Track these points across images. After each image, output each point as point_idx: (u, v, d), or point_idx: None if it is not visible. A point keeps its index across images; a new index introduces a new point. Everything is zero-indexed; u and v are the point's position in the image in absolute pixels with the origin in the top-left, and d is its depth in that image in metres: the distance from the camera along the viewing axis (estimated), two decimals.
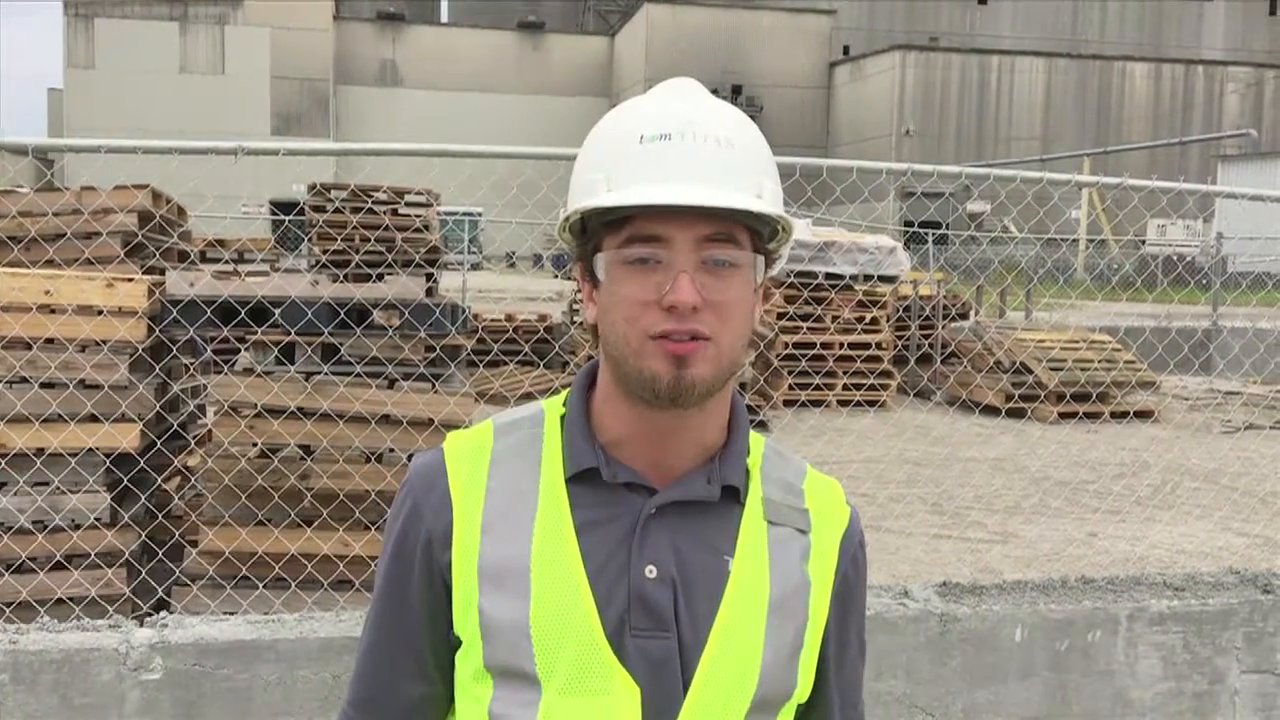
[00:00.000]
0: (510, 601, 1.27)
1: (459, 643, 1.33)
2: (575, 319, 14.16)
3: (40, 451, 4.12)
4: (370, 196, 7.05)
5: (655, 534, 1.28)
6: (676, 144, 1.22)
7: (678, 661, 1.26)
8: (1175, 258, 31.73)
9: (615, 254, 1.24)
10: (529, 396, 12.25)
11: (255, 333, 4.33)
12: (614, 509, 1.29)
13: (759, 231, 1.27)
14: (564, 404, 1.37)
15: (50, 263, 4.68)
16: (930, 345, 14.89)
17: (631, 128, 1.25)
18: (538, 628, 1.25)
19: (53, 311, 4.16)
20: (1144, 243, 37.84)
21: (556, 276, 24.78)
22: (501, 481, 1.32)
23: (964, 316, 16.34)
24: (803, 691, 1.35)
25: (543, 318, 15.91)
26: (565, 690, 1.25)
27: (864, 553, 1.43)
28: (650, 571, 1.27)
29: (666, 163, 1.22)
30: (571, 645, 1.25)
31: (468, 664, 1.32)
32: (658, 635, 1.26)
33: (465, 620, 1.30)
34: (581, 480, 1.30)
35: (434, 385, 4.44)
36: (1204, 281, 21.23)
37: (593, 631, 1.25)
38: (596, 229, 1.27)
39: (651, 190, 1.20)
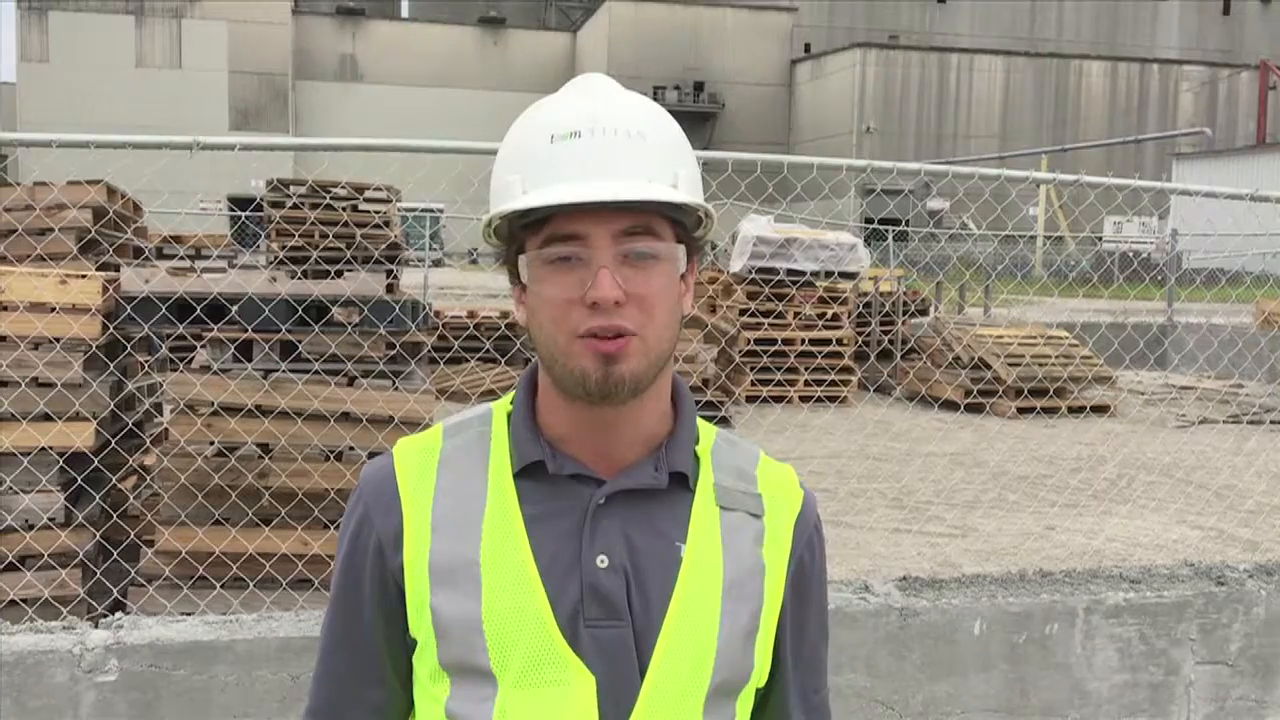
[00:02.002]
0: (462, 598, 1.27)
1: (415, 644, 1.33)
2: None
3: None
4: (329, 192, 6.98)
5: (605, 524, 1.28)
6: (586, 140, 1.23)
7: (633, 649, 1.27)
8: (1131, 254, 32.12)
9: (536, 255, 1.25)
10: (491, 394, 12.20)
11: (212, 330, 4.29)
12: (563, 501, 1.30)
13: (680, 221, 1.28)
14: (511, 403, 1.38)
15: (2, 259, 4.61)
16: (890, 341, 14.99)
17: (543, 128, 1.26)
18: (490, 622, 1.26)
19: (4, 308, 4.10)
20: (1100, 239, 38.28)
21: None
22: (450, 481, 1.32)
23: (923, 313, 16.43)
24: (760, 675, 1.36)
25: (505, 314, 15.79)
26: (520, 683, 1.25)
27: (820, 536, 1.43)
28: (601, 561, 1.27)
29: (577, 160, 1.23)
30: (525, 638, 1.25)
31: (424, 664, 1.32)
32: (611, 624, 1.27)
33: (419, 620, 1.30)
34: (529, 475, 1.31)
35: (394, 383, 4.41)
36: (1159, 277, 21.50)
37: (545, 623, 1.26)
38: (517, 231, 1.28)
39: (564, 189, 1.21)
